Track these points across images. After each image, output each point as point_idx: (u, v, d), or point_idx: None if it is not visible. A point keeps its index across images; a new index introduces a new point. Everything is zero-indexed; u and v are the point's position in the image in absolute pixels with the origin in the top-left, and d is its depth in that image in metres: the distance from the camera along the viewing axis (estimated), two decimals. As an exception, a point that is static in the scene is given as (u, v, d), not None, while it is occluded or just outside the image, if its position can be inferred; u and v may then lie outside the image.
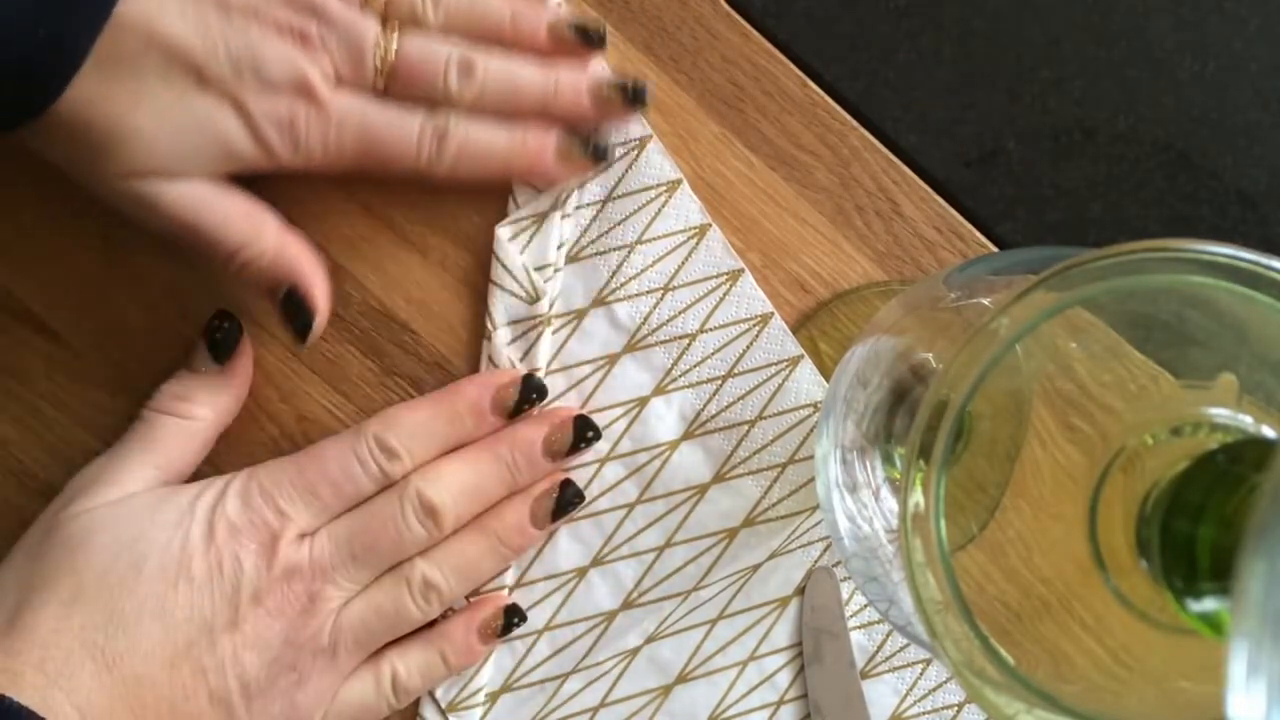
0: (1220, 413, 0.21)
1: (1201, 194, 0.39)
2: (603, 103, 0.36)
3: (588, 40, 0.36)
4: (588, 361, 0.37)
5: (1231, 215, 0.39)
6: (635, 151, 0.37)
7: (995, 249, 0.38)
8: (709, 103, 0.38)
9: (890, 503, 0.27)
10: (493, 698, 0.37)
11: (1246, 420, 0.21)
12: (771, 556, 0.36)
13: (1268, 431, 0.21)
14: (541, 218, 0.36)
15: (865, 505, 0.27)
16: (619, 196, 0.37)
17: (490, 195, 0.38)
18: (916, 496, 0.21)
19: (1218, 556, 0.19)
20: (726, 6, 0.38)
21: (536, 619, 0.37)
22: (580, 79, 0.36)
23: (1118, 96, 0.39)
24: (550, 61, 0.36)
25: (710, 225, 0.37)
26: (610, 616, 0.37)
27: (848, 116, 0.38)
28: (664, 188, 0.37)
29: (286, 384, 0.38)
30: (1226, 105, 0.39)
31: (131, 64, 0.31)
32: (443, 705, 0.36)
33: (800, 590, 0.37)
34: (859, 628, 0.37)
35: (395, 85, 0.34)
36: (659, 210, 0.37)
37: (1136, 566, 0.21)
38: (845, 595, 0.37)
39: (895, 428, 0.28)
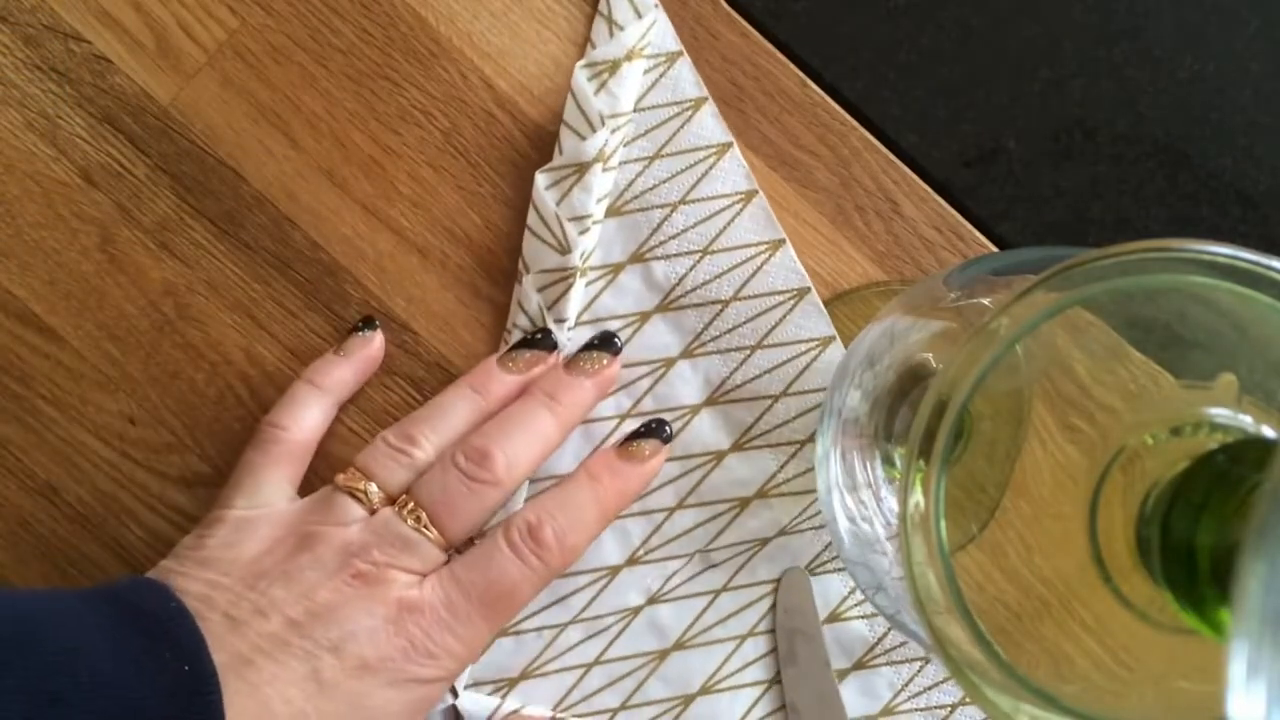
0: (1220, 413, 0.21)
1: (1201, 194, 0.39)
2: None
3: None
4: (619, 316, 0.37)
5: (1231, 215, 0.39)
6: (690, 112, 0.37)
7: (995, 249, 0.38)
8: (709, 103, 0.38)
9: (890, 503, 0.27)
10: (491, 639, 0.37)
11: (1246, 420, 0.21)
12: (780, 534, 0.36)
13: (1268, 431, 0.21)
14: (583, 169, 0.36)
15: (865, 505, 0.27)
16: (668, 155, 0.37)
17: (490, 194, 0.38)
18: (916, 496, 0.21)
19: (1218, 557, 0.19)
20: (726, 6, 0.38)
21: None
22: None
23: (1118, 96, 0.39)
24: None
25: (756, 192, 0.37)
26: (614, 571, 0.37)
27: (848, 116, 0.38)
28: (714, 150, 0.37)
29: (288, 385, 0.37)
30: (1226, 105, 0.39)
31: None
32: None
33: (808, 572, 0.37)
34: (862, 618, 0.36)
35: (449, 530, 0.34)
36: (706, 171, 0.37)
37: (1136, 566, 0.21)
38: (845, 590, 0.37)
39: (895, 428, 0.28)
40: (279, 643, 0.31)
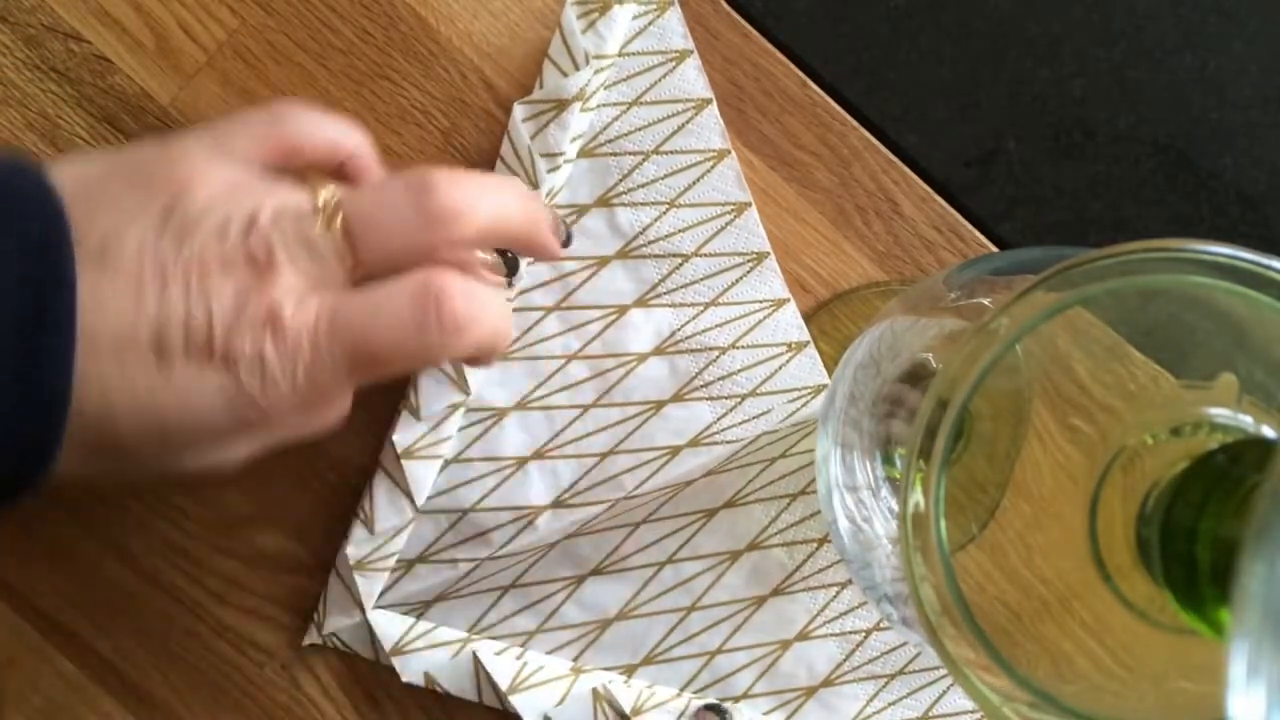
0: (1220, 413, 0.21)
1: (1201, 194, 0.39)
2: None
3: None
4: (579, 258, 0.37)
5: (1231, 215, 0.39)
6: (674, 63, 0.37)
7: (995, 249, 0.38)
8: (709, 103, 0.38)
9: (890, 503, 0.27)
10: (406, 565, 0.36)
11: (1246, 420, 0.21)
12: (708, 474, 0.36)
13: (1268, 431, 0.21)
14: (562, 106, 0.36)
15: (865, 505, 0.27)
16: (646, 103, 0.37)
17: (490, 195, 0.38)
18: (916, 496, 0.21)
19: (1218, 556, 0.19)
20: (726, 6, 0.38)
21: (466, 497, 0.36)
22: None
23: (1118, 96, 0.39)
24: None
25: (729, 152, 0.37)
26: (537, 512, 0.36)
27: (848, 116, 0.38)
28: (693, 104, 0.37)
29: (286, 384, 0.37)
30: (1226, 105, 0.39)
31: (98, 381, 0.28)
32: (351, 562, 0.36)
33: (729, 504, 0.37)
34: (783, 545, 0.37)
35: (362, 248, 0.30)
36: (683, 125, 0.37)
37: (1136, 566, 0.21)
38: (765, 520, 0.37)
39: (895, 428, 0.28)
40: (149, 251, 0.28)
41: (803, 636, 0.37)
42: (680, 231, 0.37)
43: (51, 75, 0.38)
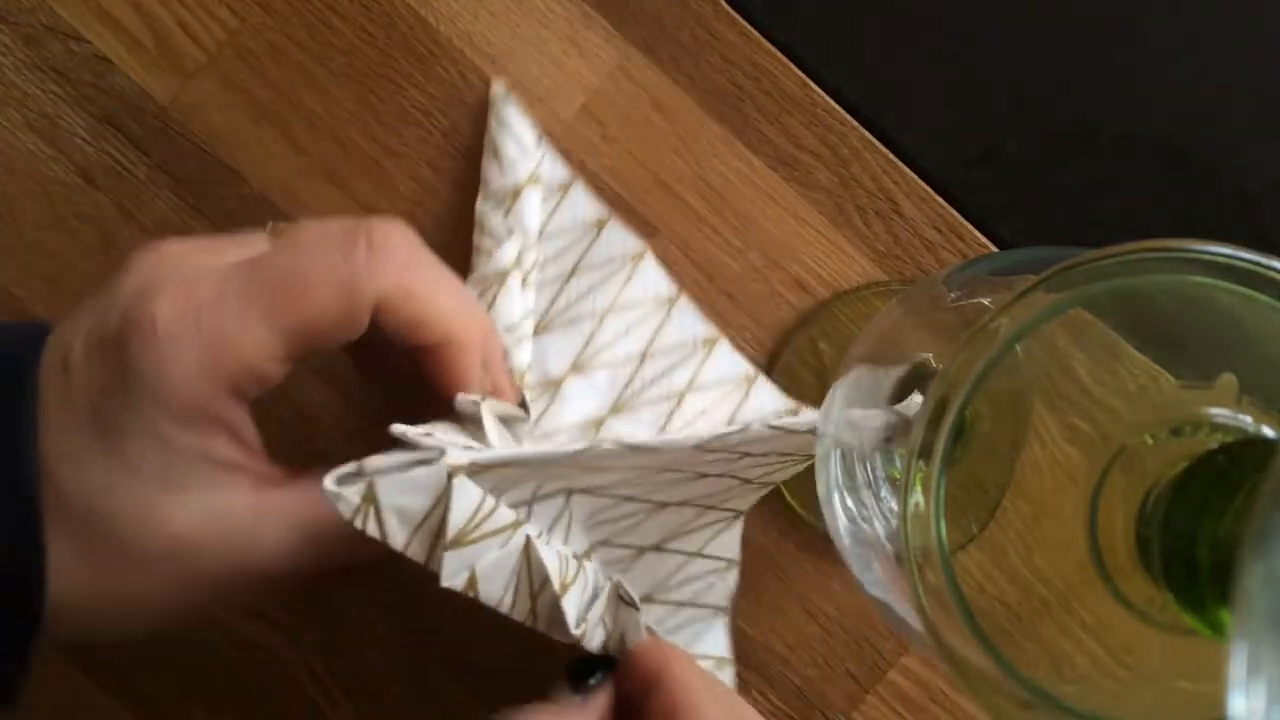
0: (1220, 413, 0.21)
1: (1201, 194, 0.39)
2: None
3: None
4: (577, 425, 0.36)
5: (1231, 215, 0.39)
6: (595, 230, 0.37)
7: (995, 249, 0.38)
8: (709, 103, 0.38)
9: (890, 503, 0.27)
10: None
11: (1246, 420, 0.21)
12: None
13: (1268, 431, 0.21)
14: (503, 276, 0.35)
15: (865, 505, 0.27)
16: (584, 270, 0.37)
17: (490, 195, 0.38)
18: (916, 496, 0.21)
19: (1218, 556, 0.19)
20: (726, 6, 0.38)
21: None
22: None
23: (1118, 96, 0.39)
24: None
25: (680, 294, 0.37)
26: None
27: (848, 116, 0.38)
28: (630, 258, 0.37)
29: (286, 384, 0.37)
30: (1226, 105, 0.39)
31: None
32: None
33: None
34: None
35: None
36: (629, 278, 0.37)
37: (1136, 566, 0.21)
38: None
39: (896, 428, 0.28)
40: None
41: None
42: (666, 374, 0.37)
43: (51, 75, 0.38)
